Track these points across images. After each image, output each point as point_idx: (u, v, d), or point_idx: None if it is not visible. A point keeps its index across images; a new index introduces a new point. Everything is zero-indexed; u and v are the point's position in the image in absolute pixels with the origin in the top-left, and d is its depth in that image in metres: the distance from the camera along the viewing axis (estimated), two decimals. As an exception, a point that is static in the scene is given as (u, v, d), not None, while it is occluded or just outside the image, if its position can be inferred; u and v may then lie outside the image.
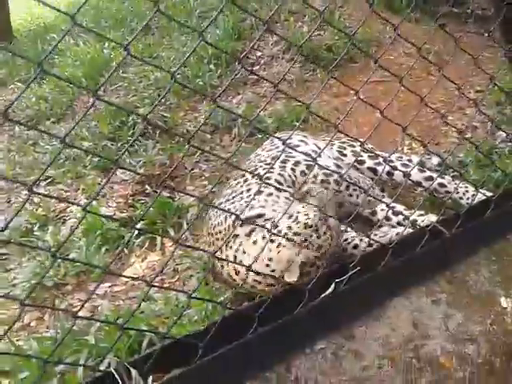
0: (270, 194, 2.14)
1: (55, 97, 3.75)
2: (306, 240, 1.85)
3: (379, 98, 3.34)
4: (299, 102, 1.60)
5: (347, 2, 4.86)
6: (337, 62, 1.93)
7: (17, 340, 1.73)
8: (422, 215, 2.21)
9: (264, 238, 1.88)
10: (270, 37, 4.44)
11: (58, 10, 1.15)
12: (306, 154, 1.87)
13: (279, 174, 2.23)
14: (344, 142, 2.56)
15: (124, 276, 1.54)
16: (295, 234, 1.86)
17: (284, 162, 2.29)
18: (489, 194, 2.14)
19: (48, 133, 1.26)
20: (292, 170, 2.26)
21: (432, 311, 1.80)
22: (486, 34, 2.98)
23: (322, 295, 1.65)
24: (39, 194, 1.17)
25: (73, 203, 2.57)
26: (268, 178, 2.11)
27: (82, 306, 1.29)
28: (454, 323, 1.77)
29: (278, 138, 1.70)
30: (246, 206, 1.85)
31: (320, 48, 3.94)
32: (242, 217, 1.62)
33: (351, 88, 1.78)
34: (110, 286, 2.06)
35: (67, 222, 2.50)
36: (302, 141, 2.50)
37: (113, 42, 4.46)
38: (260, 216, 1.99)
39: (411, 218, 2.03)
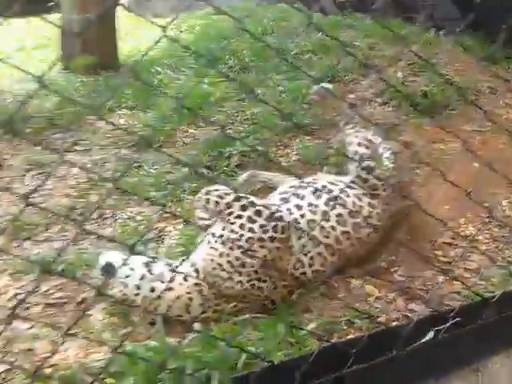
0: None
1: (158, 124, 4.02)
2: None
3: (477, 147, 3.28)
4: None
5: (443, 50, 4.87)
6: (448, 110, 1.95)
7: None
8: None
9: None
10: (364, 80, 4.53)
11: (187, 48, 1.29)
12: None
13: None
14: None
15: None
16: None
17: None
18: None
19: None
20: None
21: (535, 372, 1.72)
22: None
23: (420, 341, 1.64)
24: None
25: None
26: None
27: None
28: (561, 388, 1.67)
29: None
30: None
31: (415, 93, 3.96)
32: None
33: (457, 136, 1.81)
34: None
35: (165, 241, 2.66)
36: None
37: (211, 78, 4.76)
38: None
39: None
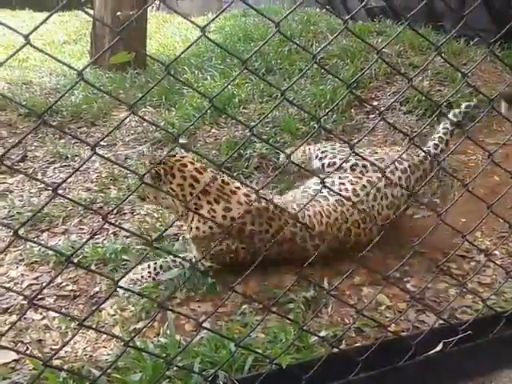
0: None
1: (181, 123, 4.07)
2: None
3: (499, 160, 3.22)
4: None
5: (471, 60, 4.81)
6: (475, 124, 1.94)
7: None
8: None
9: None
10: (388, 87, 4.51)
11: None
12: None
13: None
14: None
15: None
16: None
17: None
18: None
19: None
20: None
21: (545, 391, 1.69)
22: None
23: (430, 352, 1.63)
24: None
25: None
26: None
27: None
28: None
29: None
30: None
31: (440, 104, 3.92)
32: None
33: (483, 148, 1.79)
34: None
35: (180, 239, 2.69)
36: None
37: (236, 80, 4.78)
38: None
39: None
